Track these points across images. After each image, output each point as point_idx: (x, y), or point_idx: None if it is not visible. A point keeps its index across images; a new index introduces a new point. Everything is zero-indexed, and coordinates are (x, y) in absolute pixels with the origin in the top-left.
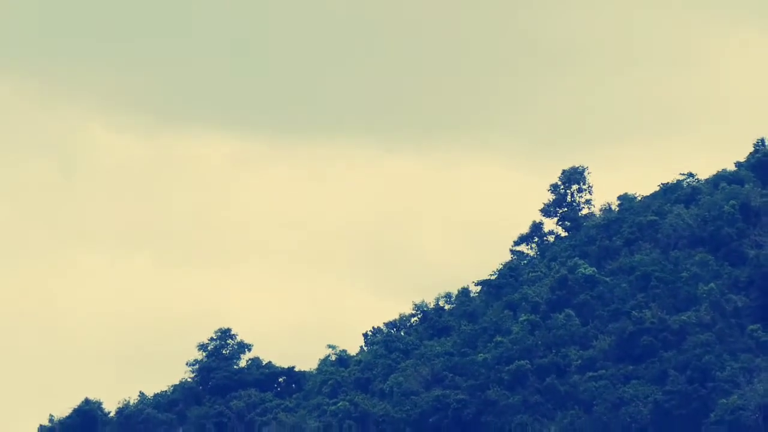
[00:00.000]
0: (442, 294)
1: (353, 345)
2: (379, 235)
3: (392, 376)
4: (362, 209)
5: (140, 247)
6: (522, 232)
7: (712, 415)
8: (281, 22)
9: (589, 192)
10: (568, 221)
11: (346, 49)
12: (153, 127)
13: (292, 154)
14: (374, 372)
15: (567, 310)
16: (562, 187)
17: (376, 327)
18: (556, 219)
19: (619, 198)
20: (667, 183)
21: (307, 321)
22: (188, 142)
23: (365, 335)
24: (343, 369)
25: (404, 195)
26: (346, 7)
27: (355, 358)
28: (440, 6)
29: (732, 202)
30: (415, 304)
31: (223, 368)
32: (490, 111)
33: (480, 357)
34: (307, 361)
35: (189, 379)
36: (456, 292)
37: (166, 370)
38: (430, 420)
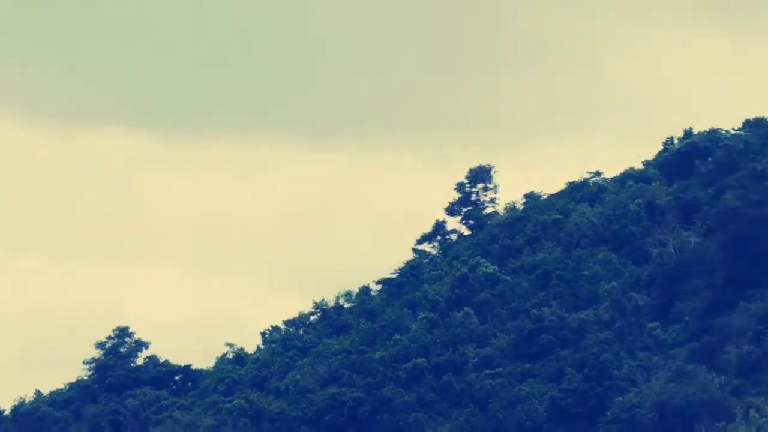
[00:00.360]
0: (342, 293)
1: (251, 343)
2: (281, 233)
3: (289, 374)
4: (265, 207)
5: (38, 245)
6: (425, 231)
7: (608, 413)
8: (193, 18)
9: (495, 191)
10: (472, 220)
11: (259, 47)
12: (58, 124)
13: (196, 152)
14: (271, 370)
15: (466, 308)
16: (467, 185)
17: (274, 325)
18: (459, 218)
19: (524, 196)
20: (574, 181)
21: (206, 319)
22: (92, 140)
23: (263, 333)
24: (240, 367)
25: (309, 193)
26: (260, 3)
27: (253, 356)
28: (366, 4)
29: (638, 200)
30: (315, 303)
31: (120, 366)
32: (399, 110)
33: (377, 355)
34: (205, 360)
35: (86, 377)
36: (356, 291)
37: (64, 368)
38: (326, 418)
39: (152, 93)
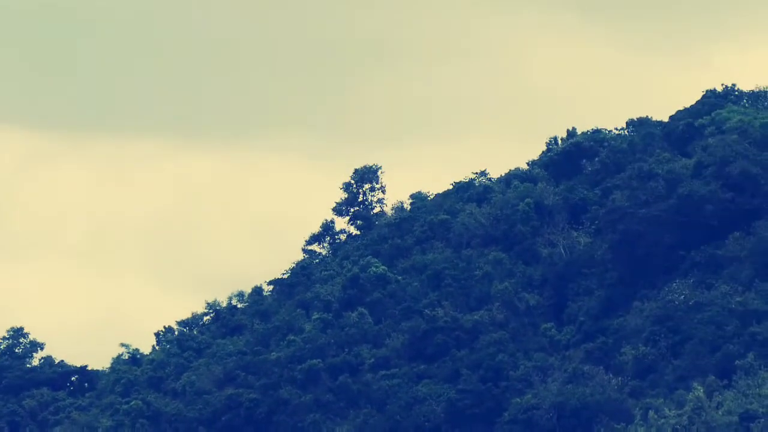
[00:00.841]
0: (235, 293)
1: (146, 344)
2: (172, 233)
3: (185, 374)
4: (156, 207)
5: None
6: (314, 231)
7: (506, 414)
8: (75, 16)
9: (382, 191)
10: (361, 220)
11: (148, 46)
12: None
13: (85, 151)
14: (167, 371)
15: (360, 309)
16: (354, 185)
17: (168, 326)
18: (348, 218)
19: (411, 197)
20: (460, 181)
21: (100, 319)
22: None
23: (157, 334)
24: (135, 368)
25: (199, 193)
26: (150, 5)
27: (148, 356)
28: (244, 4)
29: (528, 200)
30: (208, 303)
31: (15, 367)
32: (286, 109)
33: (273, 356)
34: (100, 360)
35: None
36: (248, 291)
37: None
38: (223, 419)
39: (34, 92)
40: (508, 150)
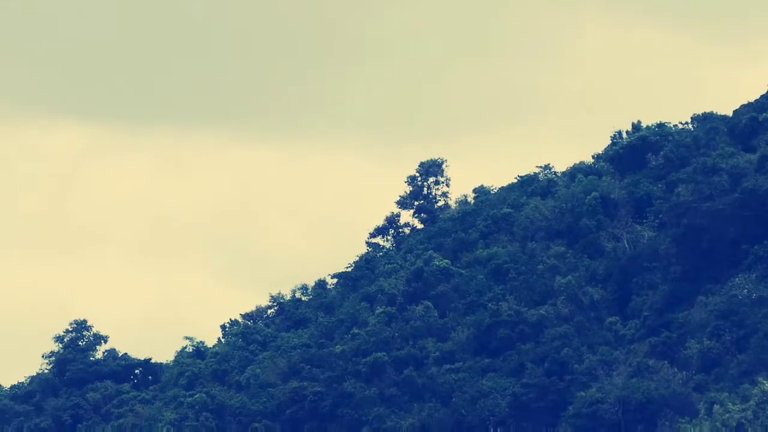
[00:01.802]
0: (299, 286)
1: (211, 337)
2: (234, 225)
3: (249, 367)
4: (217, 199)
5: None
6: (378, 224)
7: (570, 408)
8: (145, 9)
9: (446, 185)
10: (425, 213)
11: (197, 38)
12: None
13: (142, 142)
14: (231, 364)
15: (425, 302)
16: (419, 179)
17: (233, 319)
18: (412, 211)
19: (474, 190)
20: (524, 175)
21: (163, 312)
22: (34, 131)
23: (222, 327)
24: (200, 361)
25: (260, 185)
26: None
27: (212, 349)
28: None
29: (593, 194)
30: (272, 296)
31: (79, 360)
32: (346, 101)
33: (337, 349)
34: (164, 353)
35: (46, 371)
36: (312, 284)
37: (23, 362)
38: (287, 412)
39: (92, 84)
40: (572, 144)
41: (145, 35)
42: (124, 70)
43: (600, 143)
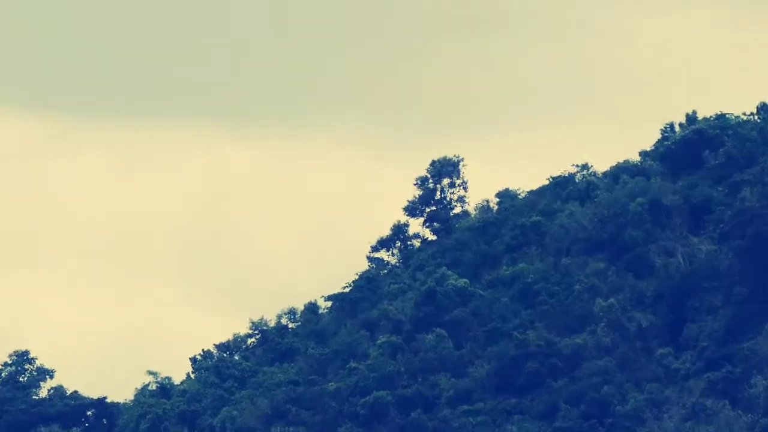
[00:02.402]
0: (285, 310)
1: (178, 371)
2: (209, 237)
3: (224, 409)
4: (188, 205)
5: None
6: (381, 235)
7: None
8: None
9: (464, 187)
10: (438, 222)
11: (173, 27)
12: None
13: (107, 138)
14: (203, 404)
15: (437, 330)
16: (431, 181)
17: (205, 350)
18: (422, 219)
19: (498, 195)
20: (557, 176)
21: (122, 341)
22: None
23: (193, 360)
24: (165, 400)
25: (240, 189)
26: None
27: (180, 387)
28: None
29: (639, 199)
30: (253, 323)
31: (20, 399)
32: (341, 90)
33: (331, 386)
34: (121, 391)
35: None
36: (301, 309)
37: None
38: None
39: (51, 70)
40: (615, 138)
41: (107, 15)
42: (80, 55)
43: (648, 138)
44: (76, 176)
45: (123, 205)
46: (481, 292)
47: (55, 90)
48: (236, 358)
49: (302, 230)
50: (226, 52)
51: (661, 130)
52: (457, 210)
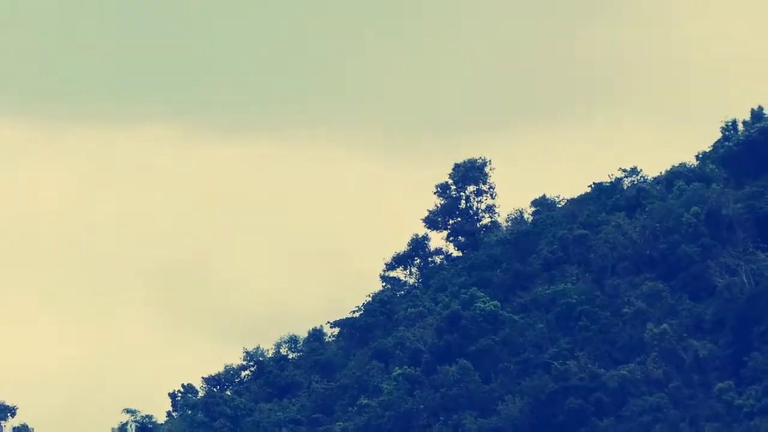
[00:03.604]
0: (285, 338)
1: (160, 409)
2: (192, 252)
3: None
4: (168, 216)
5: None
6: (397, 251)
7: None
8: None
9: (492, 195)
10: (463, 236)
11: (151, 22)
12: None
13: (66, 142)
14: None
15: (463, 361)
16: (453, 188)
17: (189, 384)
18: (445, 233)
19: (534, 203)
20: (601, 182)
21: (94, 374)
22: None
23: (172, 396)
24: None
25: (228, 196)
26: None
27: (164, 427)
28: None
29: (695, 209)
30: (247, 352)
31: None
32: (343, 83)
33: (338, 427)
34: (94, 431)
35: None
36: (304, 336)
37: None
38: None
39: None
40: (668, 139)
41: (77, 17)
42: (39, 51)
43: (707, 138)
44: (34, 186)
45: (91, 217)
46: (513, 316)
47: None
48: (228, 393)
49: (303, 245)
50: (214, 44)
51: (722, 128)
52: (486, 221)
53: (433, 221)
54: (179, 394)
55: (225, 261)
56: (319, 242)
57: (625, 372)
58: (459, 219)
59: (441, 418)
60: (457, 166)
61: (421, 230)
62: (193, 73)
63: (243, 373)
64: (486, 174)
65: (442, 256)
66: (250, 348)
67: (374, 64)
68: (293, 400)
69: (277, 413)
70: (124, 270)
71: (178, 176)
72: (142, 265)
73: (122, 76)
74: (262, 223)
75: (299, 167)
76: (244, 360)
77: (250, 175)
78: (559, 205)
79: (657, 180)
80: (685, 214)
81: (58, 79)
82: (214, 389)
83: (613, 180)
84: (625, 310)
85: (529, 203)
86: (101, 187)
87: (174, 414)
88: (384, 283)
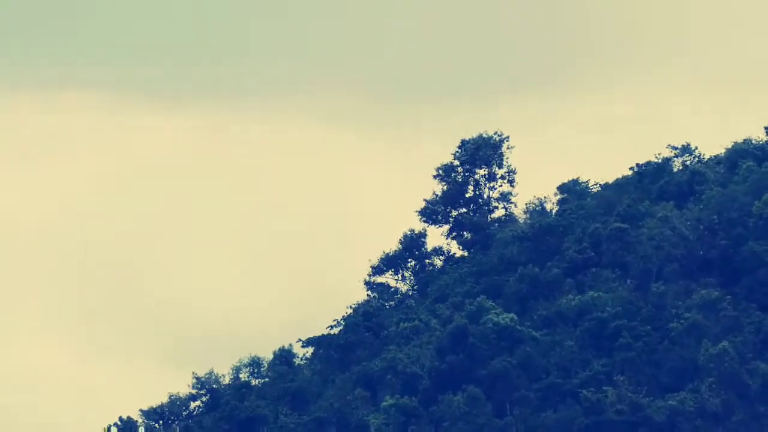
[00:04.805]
0: (245, 360)
1: None
2: (119, 252)
3: None
4: (93, 199)
5: None
6: (386, 251)
7: None
8: None
9: (509, 180)
10: (470, 231)
11: None
12: None
13: None
14: None
15: (469, 388)
16: (460, 170)
17: (125, 418)
18: (446, 227)
19: (560, 189)
20: (645, 163)
21: (17, 405)
22: None
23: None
24: None
25: (170, 176)
26: None
27: None
28: None
29: (766, 196)
30: (198, 378)
31: None
32: (308, 43)
33: None
34: None
35: None
36: (269, 358)
37: None
38: None
39: None
40: (730, 109)
41: None
42: None
43: None
44: None
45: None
46: (533, 332)
47: None
48: (174, 429)
49: (265, 242)
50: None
51: None
52: (499, 213)
53: (431, 213)
54: (114, 430)
55: (164, 261)
56: (286, 239)
57: (674, 402)
58: (464, 210)
59: None
60: (464, 143)
61: (416, 224)
62: (118, 28)
63: (192, 405)
64: (502, 153)
65: (442, 257)
66: (201, 373)
67: (353, 18)
68: None
69: None
70: (33, 271)
71: (103, 152)
72: (70, 263)
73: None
74: (211, 213)
75: (256, 143)
76: (193, 388)
77: (194, 152)
78: (592, 192)
79: (716, 160)
80: (756, 203)
81: None
82: (156, 425)
83: (660, 160)
84: (673, 324)
85: (553, 190)
86: (4, 166)
87: None
88: (369, 291)
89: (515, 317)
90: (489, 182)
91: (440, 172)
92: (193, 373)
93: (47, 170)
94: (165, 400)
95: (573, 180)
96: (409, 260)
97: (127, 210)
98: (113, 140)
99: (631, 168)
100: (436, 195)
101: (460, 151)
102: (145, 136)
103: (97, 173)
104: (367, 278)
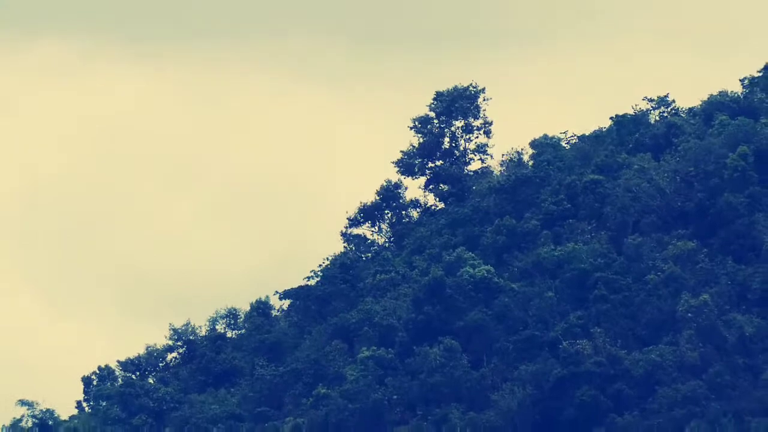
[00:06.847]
0: (221, 312)
1: (65, 401)
2: (91, 203)
3: None
4: (65, 150)
5: None
6: (363, 202)
7: None
8: None
9: (485, 131)
10: (447, 183)
11: None
12: None
13: None
14: None
15: (446, 340)
16: (436, 122)
17: (104, 366)
18: (423, 179)
19: (535, 143)
20: (622, 115)
21: None
22: None
23: (86, 381)
24: None
25: (131, 130)
26: None
27: (68, 424)
28: None
29: (741, 148)
30: (174, 330)
31: None
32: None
33: (289, 423)
34: None
35: None
36: (246, 309)
37: None
38: None
39: None
40: (706, 61)
41: None
42: None
43: (756, 60)
44: None
45: None
46: (510, 284)
47: None
48: (150, 381)
49: (241, 192)
50: None
51: None
52: (475, 165)
53: (407, 165)
54: (94, 381)
55: (141, 214)
56: (262, 190)
57: (652, 355)
58: (441, 162)
59: (419, 412)
60: (440, 95)
61: (393, 176)
62: None
63: (169, 356)
64: (478, 105)
65: (419, 209)
66: (178, 325)
67: None
68: (232, 390)
69: (212, 406)
70: (7, 226)
71: (74, 103)
72: (40, 216)
73: None
74: (185, 162)
75: (231, 95)
76: (170, 339)
77: (166, 102)
78: (568, 145)
79: (692, 112)
80: (730, 155)
81: None
82: (133, 376)
83: (636, 112)
84: (651, 276)
85: (529, 142)
86: None
87: (85, 406)
88: (346, 243)
89: (492, 269)
90: (465, 134)
91: (416, 123)
92: (170, 324)
93: (15, 123)
94: (141, 351)
95: (546, 134)
96: (386, 212)
97: (102, 164)
98: (86, 91)
99: (609, 119)
100: (413, 147)
101: (435, 102)
102: (117, 86)
103: (70, 126)
104: (344, 230)
